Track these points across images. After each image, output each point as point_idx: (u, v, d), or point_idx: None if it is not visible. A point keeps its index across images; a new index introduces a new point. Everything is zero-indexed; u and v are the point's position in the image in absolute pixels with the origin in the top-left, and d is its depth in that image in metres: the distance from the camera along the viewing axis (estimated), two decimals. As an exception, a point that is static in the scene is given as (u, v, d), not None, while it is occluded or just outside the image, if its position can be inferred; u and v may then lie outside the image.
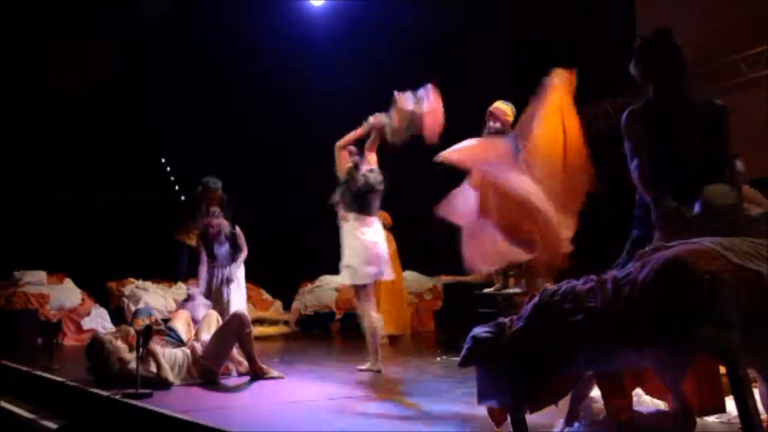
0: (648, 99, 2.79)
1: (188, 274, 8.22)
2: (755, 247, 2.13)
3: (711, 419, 2.61)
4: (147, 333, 4.04)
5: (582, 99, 3.90)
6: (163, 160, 5.10)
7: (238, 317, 4.58)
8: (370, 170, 5.01)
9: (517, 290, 5.42)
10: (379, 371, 4.79)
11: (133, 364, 3.88)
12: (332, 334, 9.19)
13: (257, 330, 8.09)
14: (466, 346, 2.45)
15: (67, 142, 9.36)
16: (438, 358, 5.76)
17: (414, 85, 4.69)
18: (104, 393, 3.85)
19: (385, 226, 8.44)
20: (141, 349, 3.90)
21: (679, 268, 2.04)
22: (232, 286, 5.63)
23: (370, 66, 9.15)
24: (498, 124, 4.95)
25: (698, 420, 2.38)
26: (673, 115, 2.69)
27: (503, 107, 4.99)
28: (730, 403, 2.21)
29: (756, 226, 2.42)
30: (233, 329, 4.50)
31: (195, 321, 4.89)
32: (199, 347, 4.48)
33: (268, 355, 6.63)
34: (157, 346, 4.27)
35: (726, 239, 2.18)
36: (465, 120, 5.16)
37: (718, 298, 1.95)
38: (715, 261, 2.04)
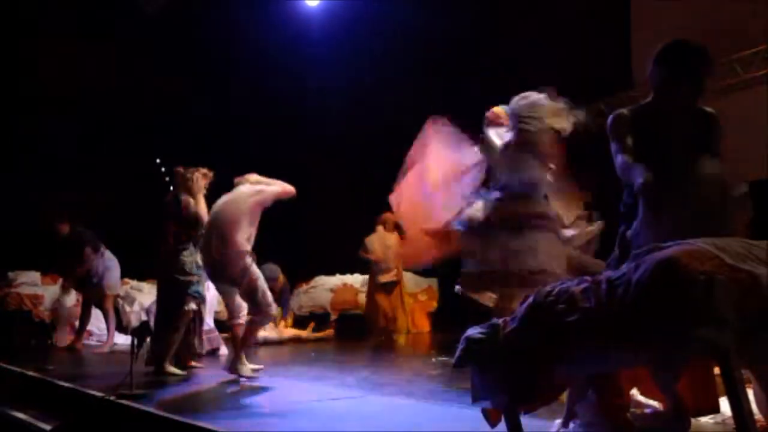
0: (639, 104, 2.78)
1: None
2: (749, 247, 2.14)
3: (705, 420, 2.61)
4: (141, 332, 4.02)
5: (575, 99, 3.92)
6: (158, 160, 5.08)
7: None
8: None
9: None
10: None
11: None
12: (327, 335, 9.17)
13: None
14: (460, 347, 2.45)
15: (62, 142, 9.32)
16: (433, 359, 5.75)
17: (407, 83, 4.66)
18: (98, 393, 3.83)
19: (392, 226, 8.50)
20: (136, 350, 3.88)
21: (673, 269, 2.04)
22: None
23: (365, 65, 9.14)
24: (499, 129, 4.94)
25: (693, 420, 2.38)
26: (663, 124, 2.69)
27: (498, 110, 4.97)
28: (725, 404, 2.21)
29: (740, 201, 2.42)
30: None
31: None
32: None
33: (261, 357, 6.62)
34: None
35: (720, 240, 2.19)
36: (461, 120, 5.14)
37: (713, 298, 1.95)
38: (710, 261, 2.04)
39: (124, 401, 3.62)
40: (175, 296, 5.00)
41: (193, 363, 5.34)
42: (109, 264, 7.28)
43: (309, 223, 9.99)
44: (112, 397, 3.70)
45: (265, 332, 7.45)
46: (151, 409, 3.42)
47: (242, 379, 4.50)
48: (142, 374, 4.47)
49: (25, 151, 9.39)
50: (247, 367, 4.56)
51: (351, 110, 9.37)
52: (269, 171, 4.98)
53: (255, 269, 4.67)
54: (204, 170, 5.33)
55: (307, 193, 10.09)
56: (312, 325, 8.88)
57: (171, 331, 4.96)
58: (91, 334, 7.80)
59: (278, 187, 4.99)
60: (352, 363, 5.55)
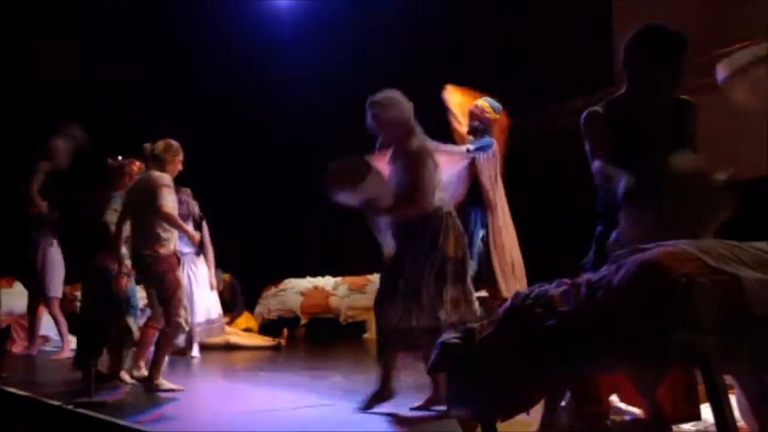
0: (613, 97, 2.72)
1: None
2: (732, 249, 2.10)
3: (687, 427, 2.58)
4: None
5: (555, 95, 3.90)
6: (120, 157, 4.92)
7: None
8: None
9: (485, 294, 5.34)
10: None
11: None
12: (297, 339, 9.06)
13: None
14: (435, 351, 2.40)
15: (19, 139, 9.02)
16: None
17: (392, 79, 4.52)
18: (56, 402, 3.70)
19: None
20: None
21: (654, 271, 1.99)
22: None
23: (348, 60, 8.98)
24: (477, 123, 4.89)
25: (674, 428, 2.35)
26: (639, 115, 2.63)
27: (482, 104, 4.92)
28: (706, 411, 2.17)
29: (721, 194, 2.34)
30: None
31: None
32: None
33: (229, 362, 6.51)
34: None
35: (702, 241, 2.15)
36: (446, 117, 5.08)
37: (695, 301, 1.91)
38: (691, 263, 1.99)
39: (82, 410, 3.48)
40: None
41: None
42: (54, 260, 6.79)
43: (279, 223, 9.82)
44: (69, 406, 3.56)
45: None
46: (113, 419, 3.29)
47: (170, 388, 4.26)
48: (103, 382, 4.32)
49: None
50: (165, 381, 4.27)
51: (348, 112, 9.20)
52: (235, 169, 4.74)
53: (177, 275, 4.38)
54: (138, 163, 4.95)
55: (279, 192, 9.99)
56: (286, 332, 8.64)
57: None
58: (47, 339, 7.56)
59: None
60: (322, 368, 5.46)
